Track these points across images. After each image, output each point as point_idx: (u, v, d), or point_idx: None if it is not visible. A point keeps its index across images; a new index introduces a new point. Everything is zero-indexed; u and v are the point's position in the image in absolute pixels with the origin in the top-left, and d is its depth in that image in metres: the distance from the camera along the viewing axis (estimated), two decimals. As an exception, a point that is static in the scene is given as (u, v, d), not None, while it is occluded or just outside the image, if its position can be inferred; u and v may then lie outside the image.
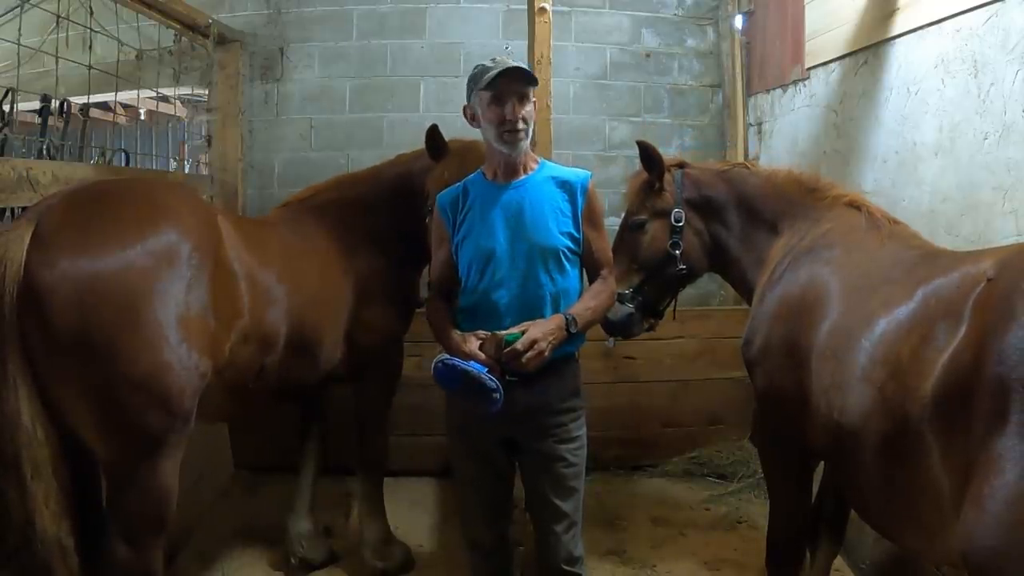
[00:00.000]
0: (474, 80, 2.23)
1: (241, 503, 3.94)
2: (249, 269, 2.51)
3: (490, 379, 2.08)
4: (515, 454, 2.36)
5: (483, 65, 2.22)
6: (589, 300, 2.32)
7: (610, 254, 2.46)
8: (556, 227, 2.27)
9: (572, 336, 2.22)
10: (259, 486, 4.06)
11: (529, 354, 2.12)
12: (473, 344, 2.17)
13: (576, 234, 2.29)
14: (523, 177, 2.32)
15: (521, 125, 2.20)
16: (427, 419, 3.88)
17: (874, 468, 1.88)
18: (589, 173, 2.37)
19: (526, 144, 2.27)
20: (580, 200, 2.30)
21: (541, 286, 2.24)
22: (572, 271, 2.30)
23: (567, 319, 2.21)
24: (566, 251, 2.27)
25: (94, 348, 1.94)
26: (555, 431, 2.29)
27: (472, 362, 2.11)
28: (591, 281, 2.39)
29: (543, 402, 2.26)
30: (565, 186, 2.31)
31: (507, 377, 2.14)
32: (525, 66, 2.22)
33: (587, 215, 2.32)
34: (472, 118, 2.30)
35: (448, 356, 2.15)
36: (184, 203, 2.33)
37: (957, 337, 1.63)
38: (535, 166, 2.35)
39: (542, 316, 2.22)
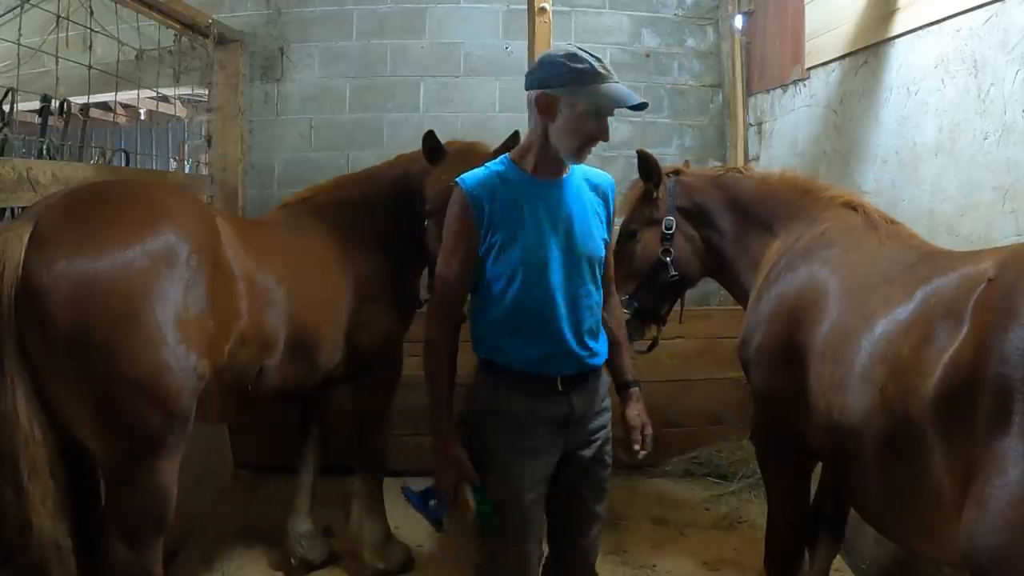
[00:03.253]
0: (574, 77, 1.95)
1: (241, 503, 3.94)
2: (248, 270, 2.50)
3: (438, 523, 2.24)
4: (559, 469, 2.18)
5: (590, 64, 1.95)
6: (623, 337, 2.37)
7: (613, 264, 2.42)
8: (598, 234, 2.14)
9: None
10: (259, 486, 4.06)
11: (648, 443, 2.25)
12: (450, 476, 2.05)
13: (608, 239, 2.21)
14: (564, 176, 2.12)
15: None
16: (427, 419, 3.86)
17: (874, 468, 1.87)
18: (610, 176, 2.29)
19: None
20: (611, 206, 2.22)
21: (589, 295, 2.11)
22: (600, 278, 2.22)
23: (636, 384, 2.30)
24: (602, 259, 2.17)
25: (92, 348, 1.93)
26: (599, 433, 2.20)
27: (431, 504, 2.22)
28: None
29: (591, 404, 2.18)
30: (598, 190, 2.19)
31: (559, 389, 2.10)
32: (637, 95, 2.01)
33: (611, 221, 2.25)
34: (546, 109, 2.00)
35: (413, 492, 2.32)
36: (183, 204, 2.33)
37: (958, 337, 1.62)
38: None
39: (583, 327, 2.11)
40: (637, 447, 2.22)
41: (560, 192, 2.10)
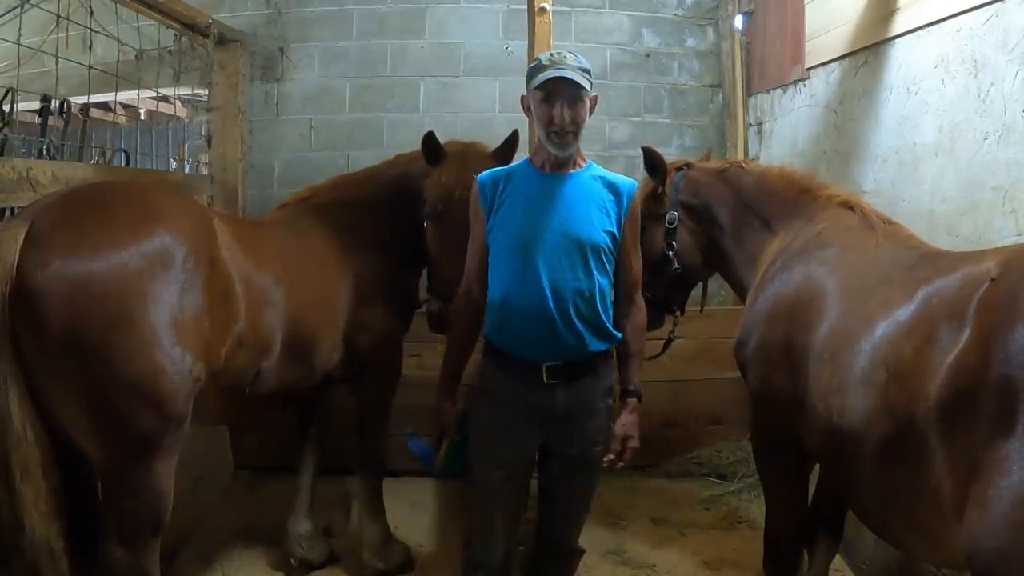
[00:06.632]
0: (529, 75, 2.19)
1: (241, 503, 3.93)
2: (245, 272, 2.49)
3: (430, 463, 2.44)
4: (543, 459, 2.32)
5: (540, 60, 2.17)
6: (637, 347, 2.38)
7: (640, 272, 2.44)
8: (599, 224, 2.23)
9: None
10: (259, 486, 4.06)
11: (627, 455, 2.29)
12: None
13: (617, 236, 2.27)
14: (572, 171, 2.27)
15: (570, 128, 2.16)
16: (427, 419, 3.86)
17: (874, 470, 1.86)
18: (635, 181, 2.37)
19: (577, 144, 2.24)
20: (625, 204, 2.29)
21: (578, 280, 2.19)
22: (608, 272, 2.27)
23: (635, 395, 2.32)
24: (606, 249, 2.23)
25: (86, 349, 1.92)
26: (591, 432, 2.27)
27: (425, 448, 2.37)
28: (617, 293, 2.35)
29: (582, 402, 2.25)
30: (612, 188, 2.29)
31: (546, 381, 2.20)
32: (580, 71, 2.13)
33: (629, 223, 2.31)
34: (527, 110, 2.27)
35: (410, 437, 2.52)
36: (179, 206, 2.32)
37: (962, 338, 1.61)
38: (583, 164, 2.32)
39: (571, 312, 2.18)
40: (609, 457, 2.28)
41: (562, 183, 2.25)
